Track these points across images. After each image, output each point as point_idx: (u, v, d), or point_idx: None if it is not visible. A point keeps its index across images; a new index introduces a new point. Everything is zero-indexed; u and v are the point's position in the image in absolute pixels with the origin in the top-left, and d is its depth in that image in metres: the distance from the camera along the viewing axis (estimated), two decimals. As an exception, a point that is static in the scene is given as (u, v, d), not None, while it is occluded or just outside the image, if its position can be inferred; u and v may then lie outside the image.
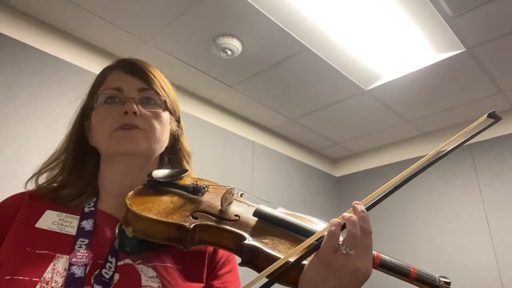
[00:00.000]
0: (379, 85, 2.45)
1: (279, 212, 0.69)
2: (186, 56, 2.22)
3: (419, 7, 1.83)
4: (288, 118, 2.89)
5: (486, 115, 0.70)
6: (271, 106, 2.73)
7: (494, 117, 0.69)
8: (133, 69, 0.79)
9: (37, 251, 0.63)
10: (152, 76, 0.79)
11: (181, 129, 0.85)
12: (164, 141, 0.79)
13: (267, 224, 0.66)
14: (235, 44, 2.07)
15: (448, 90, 2.49)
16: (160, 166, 0.81)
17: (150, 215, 0.62)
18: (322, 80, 2.40)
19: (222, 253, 0.77)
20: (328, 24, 1.98)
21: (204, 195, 0.72)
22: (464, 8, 1.81)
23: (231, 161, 2.65)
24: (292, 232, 0.65)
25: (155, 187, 0.72)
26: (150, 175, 0.73)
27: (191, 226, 0.61)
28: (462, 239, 2.61)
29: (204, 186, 0.73)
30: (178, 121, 0.84)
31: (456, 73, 2.30)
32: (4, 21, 1.85)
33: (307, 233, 0.64)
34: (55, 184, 0.76)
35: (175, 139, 0.83)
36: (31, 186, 0.75)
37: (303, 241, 0.62)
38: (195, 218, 0.64)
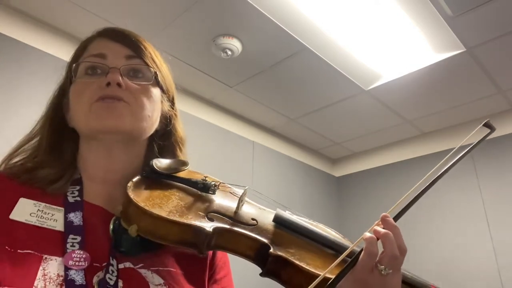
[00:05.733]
0: (379, 85, 2.45)
1: (298, 219, 0.64)
2: (186, 56, 2.22)
3: (419, 7, 1.83)
4: (288, 118, 2.89)
5: (482, 124, 0.70)
6: (271, 106, 2.73)
7: (490, 127, 0.69)
8: (120, 35, 0.69)
9: (19, 251, 0.52)
10: (142, 46, 0.68)
11: (175, 111, 0.74)
12: (154, 121, 0.67)
13: (288, 232, 0.61)
14: (235, 44, 2.07)
15: (448, 90, 2.49)
16: (149, 152, 0.71)
17: (163, 214, 0.54)
18: (322, 80, 2.40)
19: (220, 255, 0.72)
20: (328, 24, 1.97)
21: (215, 193, 0.64)
22: (464, 8, 1.81)
23: (231, 161, 2.65)
24: (315, 243, 0.61)
25: (156, 179, 0.63)
26: (150, 164, 0.64)
27: (211, 230, 0.54)
28: (462, 239, 2.60)
29: (214, 183, 0.64)
30: (171, 102, 0.73)
31: (456, 73, 2.30)
32: (4, 21, 1.85)
33: (332, 245, 0.61)
34: (29, 164, 0.64)
35: (167, 122, 0.72)
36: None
37: (327, 253, 0.59)
38: (211, 219, 0.57)
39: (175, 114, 0.74)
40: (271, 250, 0.55)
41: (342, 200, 3.39)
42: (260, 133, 3.00)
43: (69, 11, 1.89)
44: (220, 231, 0.56)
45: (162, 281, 0.58)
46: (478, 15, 1.85)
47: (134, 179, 0.61)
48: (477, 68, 2.26)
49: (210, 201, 0.62)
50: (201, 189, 0.63)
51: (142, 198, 0.56)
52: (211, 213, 0.59)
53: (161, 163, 0.65)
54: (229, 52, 2.10)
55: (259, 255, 0.57)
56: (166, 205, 0.56)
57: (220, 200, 0.63)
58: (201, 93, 2.60)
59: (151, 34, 2.03)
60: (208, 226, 0.55)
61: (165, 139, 0.73)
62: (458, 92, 2.51)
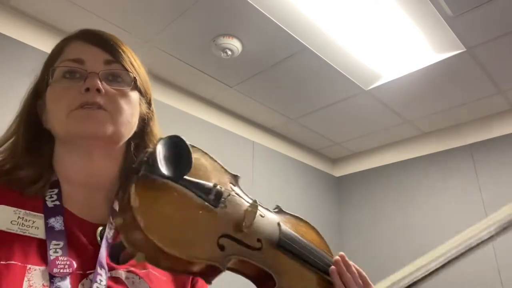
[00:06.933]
0: (379, 85, 2.45)
1: (303, 240, 0.70)
2: (186, 56, 2.22)
3: (419, 7, 1.83)
4: (288, 118, 2.89)
5: None
6: (271, 106, 2.73)
7: None
8: (98, 39, 0.68)
9: (1, 262, 0.50)
10: (121, 50, 0.68)
11: (152, 112, 0.74)
12: (133, 125, 0.67)
13: (288, 255, 0.66)
14: (235, 44, 2.07)
15: (448, 90, 2.49)
16: (127, 153, 0.70)
17: (178, 253, 0.49)
18: (322, 80, 2.40)
19: None
20: (328, 24, 1.97)
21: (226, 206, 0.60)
22: (464, 8, 1.81)
23: (231, 161, 2.63)
24: (310, 266, 0.69)
25: (155, 180, 0.55)
26: (156, 167, 0.54)
27: (225, 267, 0.54)
28: (462, 239, 2.60)
29: (227, 193, 0.61)
30: (149, 103, 0.73)
31: (456, 73, 2.30)
32: (4, 21, 1.85)
33: (322, 267, 0.70)
34: (7, 166, 0.62)
35: (144, 123, 0.72)
36: None
37: (321, 276, 0.69)
38: (221, 247, 0.55)
39: (152, 115, 0.74)
40: (276, 285, 0.60)
41: (342, 200, 3.38)
42: (260, 133, 3.00)
43: (68, 11, 1.89)
44: (230, 261, 0.56)
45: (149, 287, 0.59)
46: (478, 15, 1.85)
47: (137, 188, 0.52)
48: (477, 68, 2.26)
49: (220, 219, 0.58)
50: (211, 201, 0.58)
51: (154, 225, 0.50)
52: (222, 238, 0.56)
53: (162, 162, 0.56)
54: (229, 52, 2.10)
55: (259, 278, 0.62)
56: (178, 232, 0.52)
57: (229, 216, 0.60)
58: (201, 93, 2.60)
59: (151, 34, 2.03)
60: (221, 261, 0.54)
61: (141, 138, 0.73)
62: (458, 92, 2.51)
